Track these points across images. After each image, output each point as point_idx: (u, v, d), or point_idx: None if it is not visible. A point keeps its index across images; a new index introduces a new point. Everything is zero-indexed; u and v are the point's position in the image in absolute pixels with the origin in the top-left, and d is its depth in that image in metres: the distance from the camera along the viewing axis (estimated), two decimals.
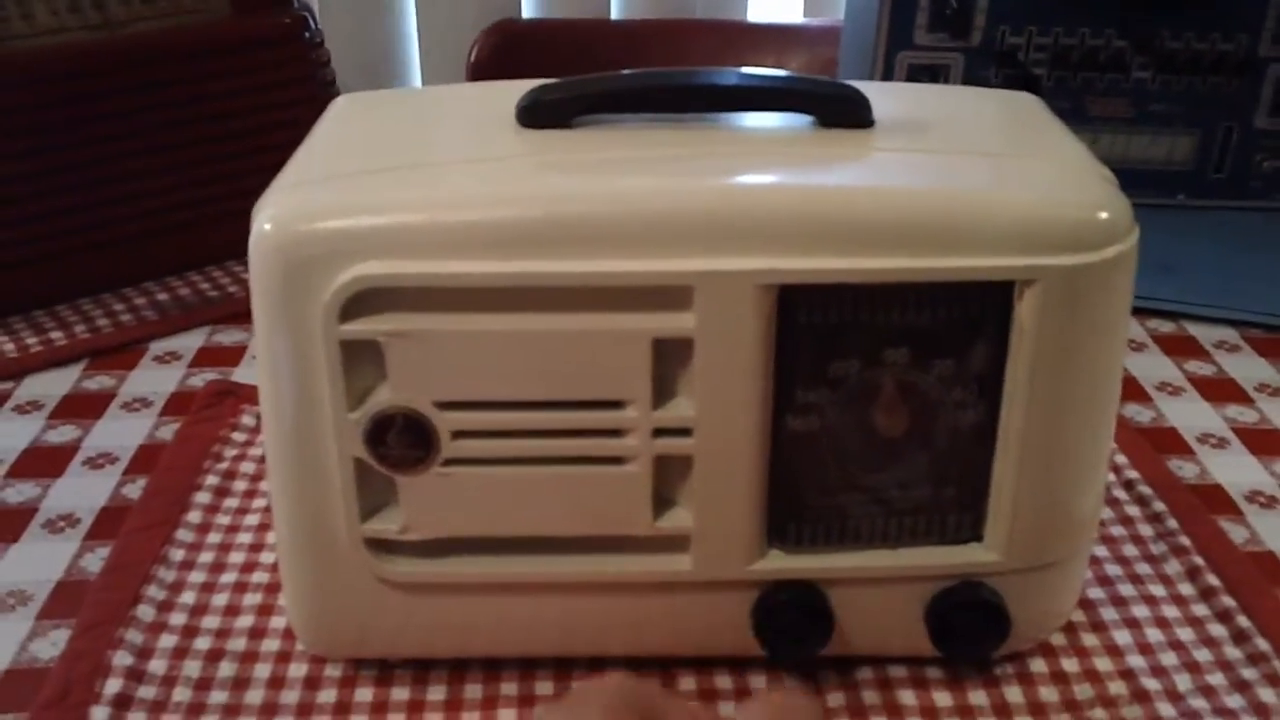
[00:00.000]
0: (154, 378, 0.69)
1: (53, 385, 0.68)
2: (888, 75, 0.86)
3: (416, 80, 1.16)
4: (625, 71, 0.46)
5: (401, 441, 0.42)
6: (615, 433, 0.42)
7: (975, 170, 0.43)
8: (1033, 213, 0.41)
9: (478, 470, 0.43)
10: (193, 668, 0.48)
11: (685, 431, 0.42)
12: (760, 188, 0.42)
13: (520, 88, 0.47)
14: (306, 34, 0.79)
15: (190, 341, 0.73)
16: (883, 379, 0.42)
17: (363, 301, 0.40)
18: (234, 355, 0.71)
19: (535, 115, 0.45)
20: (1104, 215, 0.42)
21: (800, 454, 0.43)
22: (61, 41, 0.71)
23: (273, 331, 0.42)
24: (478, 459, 0.43)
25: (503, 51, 1.03)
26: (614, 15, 1.14)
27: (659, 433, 0.42)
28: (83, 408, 0.66)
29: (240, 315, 0.75)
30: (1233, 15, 0.86)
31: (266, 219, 0.41)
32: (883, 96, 0.47)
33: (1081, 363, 0.43)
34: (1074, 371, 0.43)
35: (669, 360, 0.42)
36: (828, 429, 0.43)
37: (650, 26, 1.13)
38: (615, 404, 0.42)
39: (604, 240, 0.40)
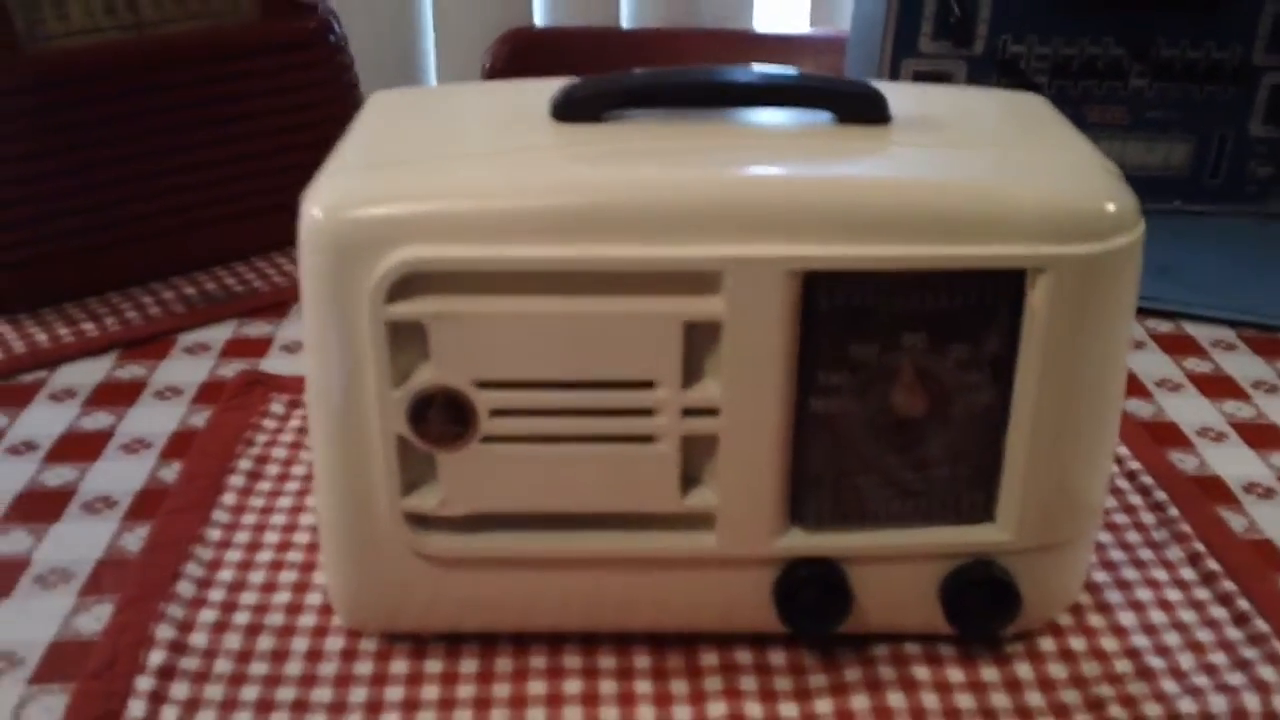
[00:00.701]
0: (185, 368, 0.71)
1: (86, 375, 0.70)
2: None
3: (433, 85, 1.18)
4: (658, 69, 0.48)
5: (442, 418, 0.44)
6: (646, 412, 0.44)
7: (989, 164, 0.45)
8: (1044, 204, 0.43)
9: (514, 448, 0.45)
10: (233, 640, 0.50)
11: (713, 412, 0.44)
12: (785, 178, 0.44)
13: (550, 85, 0.49)
14: (332, 37, 0.81)
15: (219, 334, 0.75)
16: (901, 362, 0.44)
17: (408, 284, 0.42)
18: (261, 347, 0.73)
19: (569, 109, 0.47)
20: (1111, 207, 0.44)
21: (821, 435, 0.45)
22: (96, 41, 0.73)
23: (321, 313, 0.44)
24: (514, 436, 0.45)
25: (516, 59, 1.05)
26: (624, 24, 1.17)
27: (687, 413, 0.44)
28: (116, 396, 0.68)
29: (266, 309, 0.77)
30: (1227, 24, 0.89)
31: (316, 205, 0.43)
32: (897, 95, 0.49)
33: (1090, 348, 0.45)
34: (1083, 357, 0.45)
35: (698, 342, 0.44)
36: (848, 411, 0.45)
37: (659, 35, 1.15)
38: (646, 384, 0.44)
39: (637, 227, 0.42)
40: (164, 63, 0.75)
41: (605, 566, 0.47)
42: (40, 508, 0.59)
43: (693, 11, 1.15)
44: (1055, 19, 0.88)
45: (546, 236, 0.42)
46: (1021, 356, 0.44)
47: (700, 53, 1.12)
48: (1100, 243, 0.43)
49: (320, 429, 0.46)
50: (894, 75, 0.88)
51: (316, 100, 0.81)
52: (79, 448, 0.64)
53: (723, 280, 0.42)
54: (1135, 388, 0.70)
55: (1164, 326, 0.78)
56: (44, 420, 0.66)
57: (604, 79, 0.48)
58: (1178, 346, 0.75)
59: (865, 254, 0.43)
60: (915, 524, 0.47)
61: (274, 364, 0.71)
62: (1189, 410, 0.68)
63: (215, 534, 0.56)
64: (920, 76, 0.89)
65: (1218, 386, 0.71)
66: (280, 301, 0.78)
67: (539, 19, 1.13)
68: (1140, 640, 0.50)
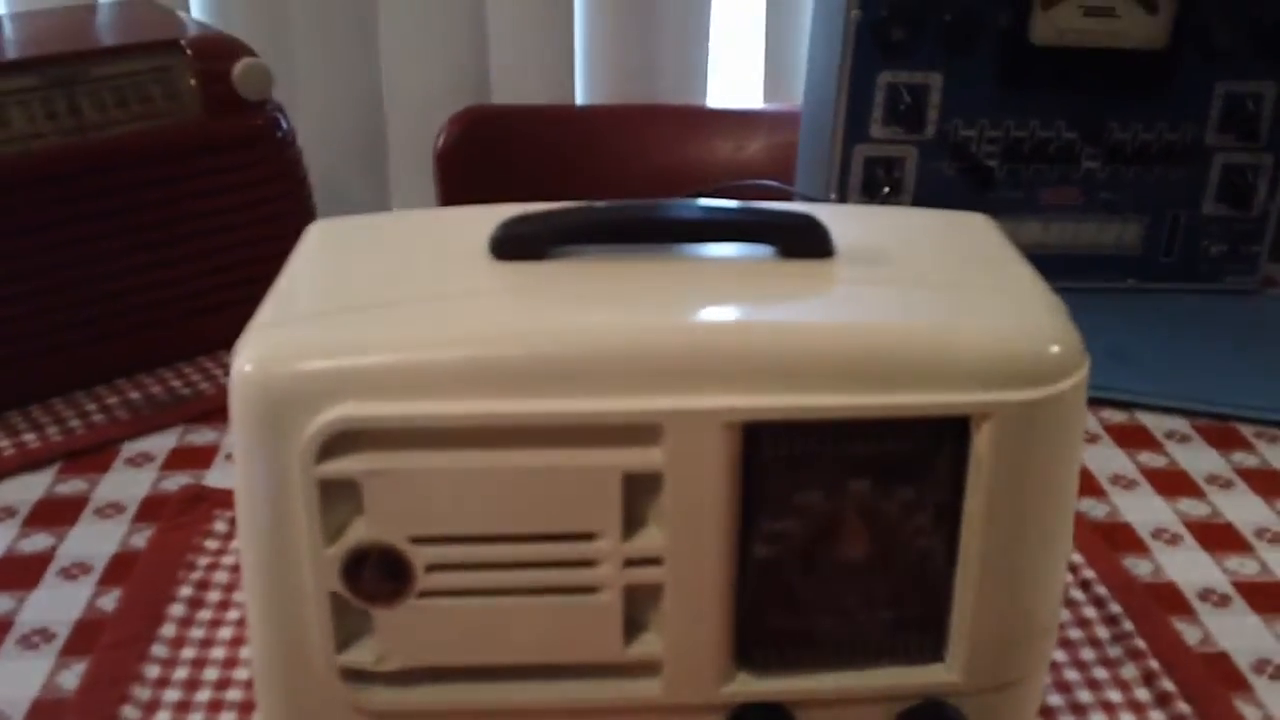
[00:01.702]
0: (127, 480, 0.70)
1: (26, 490, 0.69)
2: (845, 166, 0.89)
3: (390, 162, 1.17)
4: (595, 204, 0.48)
5: (377, 575, 0.43)
6: (587, 563, 0.43)
7: (932, 305, 0.45)
8: (987, 349, 0.43)
9: (452, 601, 0.44)
10: None
11: (656, 561, 0.44)
12: (724, 326, 0.43)
13: (493, 215, 0.48)
14: (279, 133, 0.80)
15: (163, 442, 0.73)
16: (846, 508, 0.44)
17: (341, 441, 0.41)
18: (206, 456, 0.72)
19: (508, 247, 0.47)
20: (1055, 349, 0.43)
21: (767, 580, 0.45)
22: (37, 147, 0.72)
23: (251, 467, 0.43)
24: (452, 590, 0.44)
25: (470, 137, 1.04)
26: (579, 99, 1.17)
27: (630, 563, 0.43)
28: (56, 514, 0.67)
29: (212, 414, 0.76)
30: (1179, 105, 0.89)
31: (246, 359, 0.42)
32: (841, 221, 0.49)
33: (1037, 490, 0.44)
34: (1030, 499, 0.44)
35: (639, 492, 0.43)
36: (793, 556, 0.44)
37: (614, 113, 1.15)
38: (587, 536, 0.43)
39: (577, 379, 0.42)
40: (107, 166, 0.74)
41: (549, 716, 0.46)
42: None
43: (648, 87, 1.15)
44: (1006, 103, 0.89)
45: (483, 390, 0.42)
46: (968, 500, 0.44)
47: (655, 130, 1.12)
48: (1045, 387, 0.43)
49: (252, 581, 0.45)
50: (845, 160, 0.89)
51: (266, 197, 0.80)
52: (17, 574, 0.62)
53: (662, 432, 0.42)
54: (1089, 486, 0.70)
55: (1117, 417, 0.78)
56: None
57: (544, 214, 0.48)
58: (1131, 439, 0.75)
59: (806, 404, 0.42)
60: (864, 666, 0.46)
61: (218, 475, 0.70)
62: (1143, 510, 0.68)
63: (154, 670, 0.55)
64: (872, 161, 0.89)
65: (1172, 483, 0.70)
66: (224, 405, 0.77)
67: (495, 95, 1.12)
68: None
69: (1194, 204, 0.93)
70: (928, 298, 0.46)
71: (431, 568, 0.43)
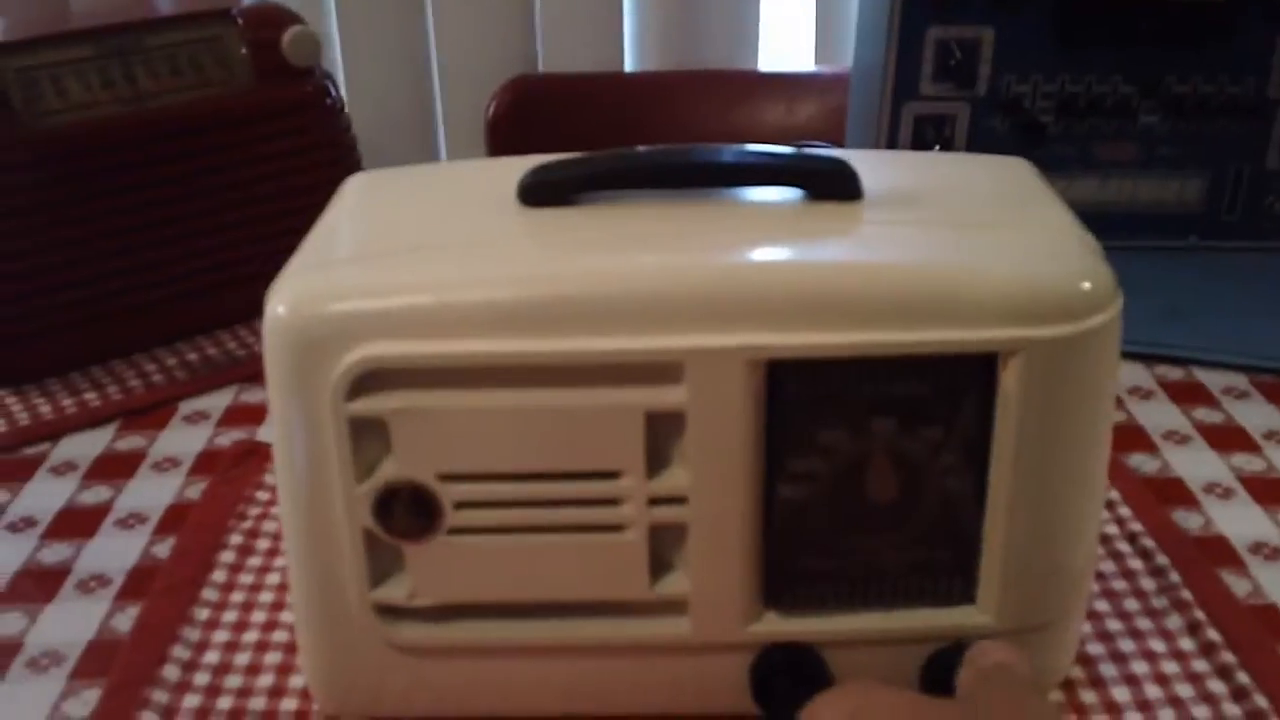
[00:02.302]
0: (183, 437, 0.72)
1: (87, 446, 0.71)
2: (894, 126, 0.88)
3: (440, 134, 1.18)
4: (624, 150, 0.48)
5: (407, 513, 0.44)
6: (612, 502, 0.44)
7: (959, 243, 0.45)
8: (1015, 285, 0.42)
9: (481, 539, 0.44)
10: None
11: (680, 500, 0.44)
12: (748, 265, 0.43)
13: (522, 164, 0.49)
14: (328, 101, 0.81)
15: (218, 401, 0.75)
16: (872, 447, 0.44)
17: (369, 380, 0.42)
18: (259, 413, 0.74)
19: (536, 194, 0.47)
20: (1086, 286, 0.43)
21: (793, 520, 0.45)
22: (94, 116, 0.74)
23: (285, 408, 0.44)
24: (480, 528, 0.44)
25: (520, 106, 1.05)
26: (627, 67, 1.17)
27: (654, 502, 0.44)
28: (115, 469, 0.69)
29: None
30: (1241, 58, 0.87)
31: (280, 302, 0.43)
32: (874, 166, 0.48)
33: (1067, 429, 0.44)
34: (1060, 437, 0.44)
35: (663, 431, 0.43)
36: (820, 496, 0.44)
37: (663, 79, 1.15)
38: (612, 474, 0.44)
39: (598, 319, 0.42)
40: (162, 134, 0.76)
41: (578, 653, 0.47)
42: (36, 587, 0.60)
43: (696, 53, 1.15)
44: (1060, 57, 0.87)
45: (507, 330, 0.42)
46: (996, 439, 0.43)
47: (705, 96, 1.11)
48: (1075, 323, 0.42)
49: (289, 521, 0.46)
50: (895, 119, 0.88)
51: (315, 163, 0.81)
52: (76, 524, 0.64)
53: (685, 370, 0.42)
54: (1141, 441, 0.69)
55: (1174, 374, 0.76)
56: (44, 495, 0.67)
57: (571, 161, 0.48)
58: (1187, 395, 0.73)
59: (829, 341, 0.42)
60: (892, 607, 0.46)
61: (271, 432, 0.71)
62: (1196, 465, 0.66)
63: (203, 614, 0.56)
64: (922, 119, 0.88)
65: (1227, 438, 0.69)
66: None
67: (543, 64, 1.13)
68: (1133, 718, 0.49)
69: (1257, 159, 0.90)
70: (955, 236, 0.45)
71: (460, 505, 0.44)
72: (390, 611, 0.46)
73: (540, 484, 0.44)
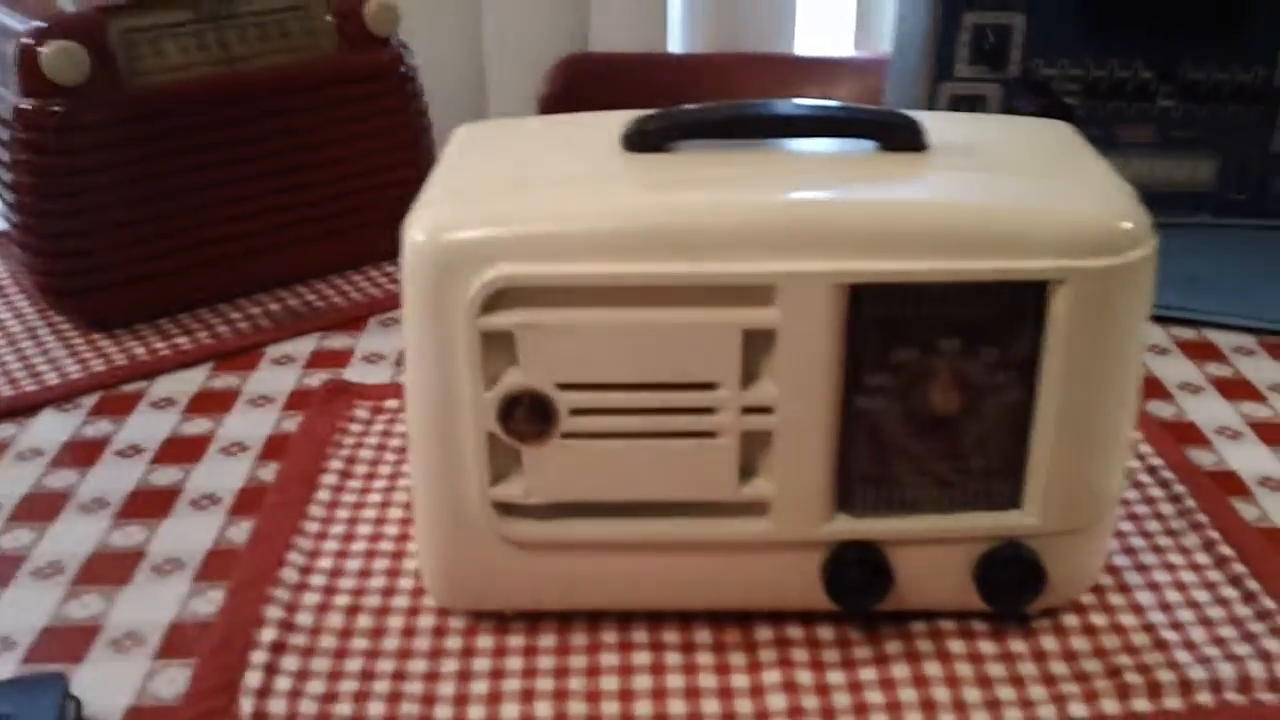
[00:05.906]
0: (273, 378, 0.77)
1: (183, 385, 0.76)
2: (931, 105, 0.94)
3: (490, 110, 1.24)
4: (716, 103, 0.54)
5: (527, 417, 0.50)
6: (708, 410, 0.50)
7: (1016, 187, 0.51)
8: (1066, 223, 0.48)
9: (591, 443, 0.50)
10: (335, 619, 0.56)
11: (768, 410, 0.50)
12: (833, 201, 0.49)
13: (615, 118, 0.54)
14: (403, 68, 0.87)
15: (303, 346, 0.81)
16: (938, 365, 0.50)
17: (499, 298, 0.48)
18: (343, 358, 0.79)
19: (638, 140, 0.53)
20: (1127, 225, 0.49)
21: (866, 430, 0.51)
22: (190, 76, 0.80)
23: (422, 324, 0.49)
24: (591, 433, 0.50)
25: (572, 84, 1.11)
26: (670, 48, 1.22)
27: (745, 411, 0.50)
28: (212, 404, 0.74)
29: (346, 323, 0.83)
30: (1251, 47, 0.93)
31: (418, 230, 0.49)
32: (935, 124, 0.54)
33: (1108, 351, 0.50)
34: (1101, 359, 0.50)
35: (755, 348, 0.49)
36: (890, 408, 0.50)
37: (706, 61, 1.21)
38: (709, 385, 0.49)
39: (700, 246, 0.48)
40: (250, 95, 0.81)
41: (671, 551, 0.53)
42: (151, 505, 0.65)
43: (737, 35, 1.21)
44: (1086, 42, 0.93)
45: (620, 255, 0.48)
46: (1045, 359, 0.49)
47: (746, 77, 1.17)
48: (1116, 256, 0.48)
49: (418, 427, 0.51)
50: (932, 98, 0.94)
51: (389, 127, 0.87)
52: (182, 451, 0.70)
53: (776, 293, 0.48)
54: (1158, 390, 0.75)
55: (1187, 334, 0.82)
56: (148, 426, 0.72)
57: (669, 113, 0.54)
58: (1199, 352, 0.80)
59: (905, 268, 0.48)
60: (950, 510, 0.52)
61: (355, 373, 0.77)
62: (1208, 411, 0.73)
63: (313, 526, 0.62)
64: (957, 99, 0.94)
65: (1236, 389, 0.75)
66: (358, 316, 0.84)
67: (592, 44, 1.18)
68: (1157, 617, 0.55)
69: (1264, 143, 0.96)
70: (1013, 181, 0.51)
71: (574, 411, 0.50)
72: (507, 509, 0.52)
73: (646, 393, 0.50)
